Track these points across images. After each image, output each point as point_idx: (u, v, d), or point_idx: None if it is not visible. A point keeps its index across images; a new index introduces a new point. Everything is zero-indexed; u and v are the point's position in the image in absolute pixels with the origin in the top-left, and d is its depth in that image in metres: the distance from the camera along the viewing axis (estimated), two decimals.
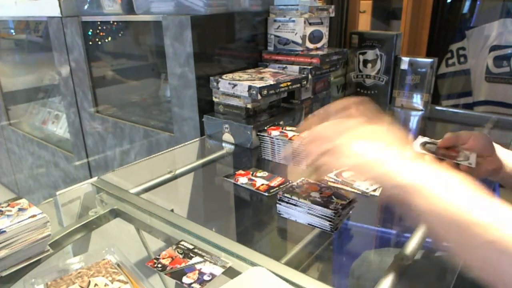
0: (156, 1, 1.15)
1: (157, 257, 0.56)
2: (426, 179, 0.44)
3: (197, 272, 0.52)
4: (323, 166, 0.53)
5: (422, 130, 1.25)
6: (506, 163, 0.64)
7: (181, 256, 0.56)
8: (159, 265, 0.54)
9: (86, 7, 1.42)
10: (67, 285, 0.51)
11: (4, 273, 0.54)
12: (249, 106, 1.01)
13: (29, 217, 0.56)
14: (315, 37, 1.22)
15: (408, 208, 0.44)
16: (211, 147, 1.06)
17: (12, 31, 2.15)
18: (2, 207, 0.59)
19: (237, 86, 0.99)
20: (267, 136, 0.91)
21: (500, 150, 0.65)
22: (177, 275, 0.52)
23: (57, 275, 0.53)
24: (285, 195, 0.67)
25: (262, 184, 0.79)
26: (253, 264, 0.54)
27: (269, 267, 0.52)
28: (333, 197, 0.67)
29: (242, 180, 0.82)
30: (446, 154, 0.65)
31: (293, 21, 1.17)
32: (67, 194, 0.77)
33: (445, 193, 0.42)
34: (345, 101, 0.60)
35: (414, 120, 1.30)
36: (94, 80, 1.49)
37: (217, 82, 1.04)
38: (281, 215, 0.69)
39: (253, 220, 0.80)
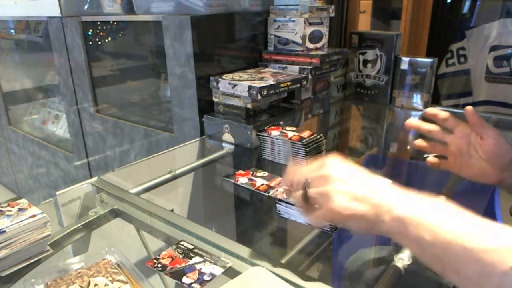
0: (156, 1, 1.15)
1: (157, 257, 0.56)
2: (426, 210, 0.42)
3: (197, 272, 0.52)
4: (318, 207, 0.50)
5: None
6: None
7: (181, 256, 0.56)
8: (159, 265, 0.54)
9: (86, 7, 1.42)
10: (67, 285, 0.51)
11: (4, 273, 0.54)
12: (249, 106, 1.01)
13: (29, 217, 0.56)
14: (315, 37, 1.22)
15: (408, 240, 0.42)
16: (211, 147, 1.06)
17: (12, 31, 2.15)
18: (2, 207, 0.59)
19: (237, 86, 0.99)
20: (267, 136, 0.91)
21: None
22: (177, 275, 0.52)
23: (57, 275, 0.53)
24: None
25: (262, 184, 0.79)
26: (253, 264, 0.54)
27: (269, 267, 0.52)
28: None
29: (242, 180, 0.82)
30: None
31: (293, 21, 1.17)
32: (67, 194, 0.77)
33: (449, 223, 0.40)
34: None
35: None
36: (94, 80, 1.49)
37: (217, 82, 1.04)
38: (281, 215, 0.69)
39: (253, 220, 0.80)
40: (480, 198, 0.82)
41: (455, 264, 0.39)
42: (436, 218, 0.41)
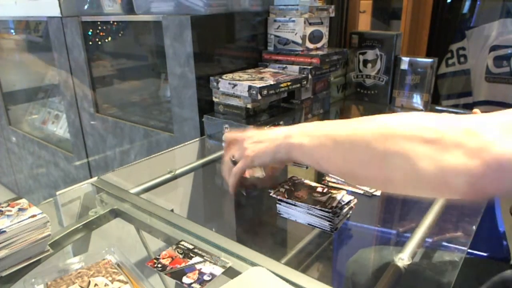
0: (156, 1, 1.15)
1: (157, 257, 0.56)
2: (306, 126, 0.58)
3: (197, 272, 0.52)
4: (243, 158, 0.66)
5: None
6: None
7: (181, 256, 0.56)
8: (159, 265, 0.54)
9: (86, 7, 1.42)
10: (67, 285, 0.51)
11: (4, 273, 0.54)
12: (249, 106, 1.01)
13: (29, 217, 0.56)
14: (315, 37, 1.22)
15: (297, 151, 0.57)
16: (211, 147, 1.06)
17: (12, 31, 2.15)
18: (2, 207, 0.59)
19: (237, 86, 0.99)
20: None
21: None
22: (177, 275, 0.52)
23: (57, 275, 0.53)
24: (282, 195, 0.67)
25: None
26: (253, 264, 0.54)
27: (269, 267, 0.52)
28: (333, 197, 0.67)
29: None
30: None
31: (293, 21, 1.17)
32: (67, 194, 0.77)
33: (322, 128, 0.55)
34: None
35: None
36: (94, 80, 1.49)
37: (217, 82, 1.04)
38: (281, 215, 0.69)
39: (253, 220, 0.80)
40: None
41: (331, 159, 0.52)
42: (313, 127, 0.56)
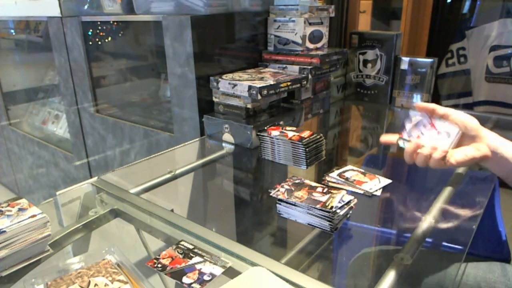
0: (156, 1, 1.15)
1: (157, 257, 0.56)
2: None
3: (197, 272, 0.52)
4: None
5: None
6: (501, 151, 0.61)
7: (181, 256, 0.56)
8: (159, 265, 0.54)
9: (86, 7, 1.42)
10: (67, 285, 0.51)
11: (4, 273, 0.54)
12: (249, 106, 1.01)
13: (29, 217, 0.56)
14: (315, 37, 1.22)
15: None
16: (211, 147, 1.06)
17: (12, 31, 2.15)
18: (2, 207, 0.59)
19: (237, 86, 0.99)
20: (267, 136, 0.91)
21: (492, 138, 0.62)
22: (177, 275, 0.52)
23: (57, 275, 0.53)
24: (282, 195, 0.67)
25: (294, 135, 0.87)
26: (253, 264, 0.54)
27: (269, 267, 0.52)
28: (333, 197, 0.67)
29: (275, 133, 0.89)
30: None
31: (293, 21, 1.17)
32: (67, 194, 0.77)
33: None
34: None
35: None
36: (94, 80, 1.49)
37: (217, 82, 1.04)
38: (281, 215, 0.69)
39: (253, 220, 0.80)
40: (480, 198, 0.82)
41: None
42: None
